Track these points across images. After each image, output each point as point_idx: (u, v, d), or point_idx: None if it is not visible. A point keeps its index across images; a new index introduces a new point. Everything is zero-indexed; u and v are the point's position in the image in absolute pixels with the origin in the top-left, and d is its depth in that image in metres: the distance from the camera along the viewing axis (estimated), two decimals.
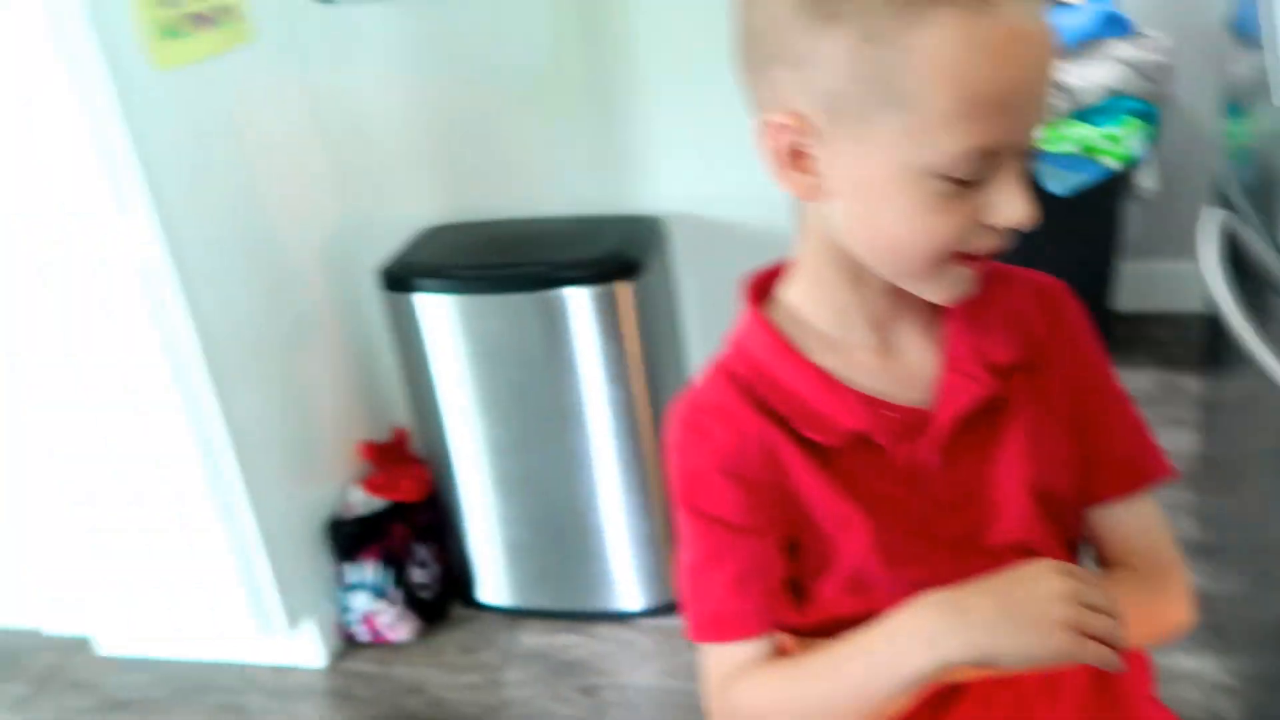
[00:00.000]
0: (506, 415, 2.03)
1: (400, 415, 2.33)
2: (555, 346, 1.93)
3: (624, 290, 1.89)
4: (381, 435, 2.33)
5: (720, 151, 2.00)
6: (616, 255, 1.91)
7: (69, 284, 1.80)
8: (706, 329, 2.16)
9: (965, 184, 0.67)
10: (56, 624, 2.25)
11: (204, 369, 1.84)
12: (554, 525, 2.12)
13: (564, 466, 2.04)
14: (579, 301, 1.89)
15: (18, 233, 1.78)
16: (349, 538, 2.15)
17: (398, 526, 2.18)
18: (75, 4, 1.58)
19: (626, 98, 2.03)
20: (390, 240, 2.12)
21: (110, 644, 2.25)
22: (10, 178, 1.73)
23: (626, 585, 2.15)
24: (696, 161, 2.04)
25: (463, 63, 2.07)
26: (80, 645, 2.27)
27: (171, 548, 2.00)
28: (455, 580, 2.26)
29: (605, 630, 2.15)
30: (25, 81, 1.65)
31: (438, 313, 1.96)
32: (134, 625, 2.17)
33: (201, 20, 1.78)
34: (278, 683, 2.13)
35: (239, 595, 2.01)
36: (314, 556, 2.14)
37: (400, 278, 1.98)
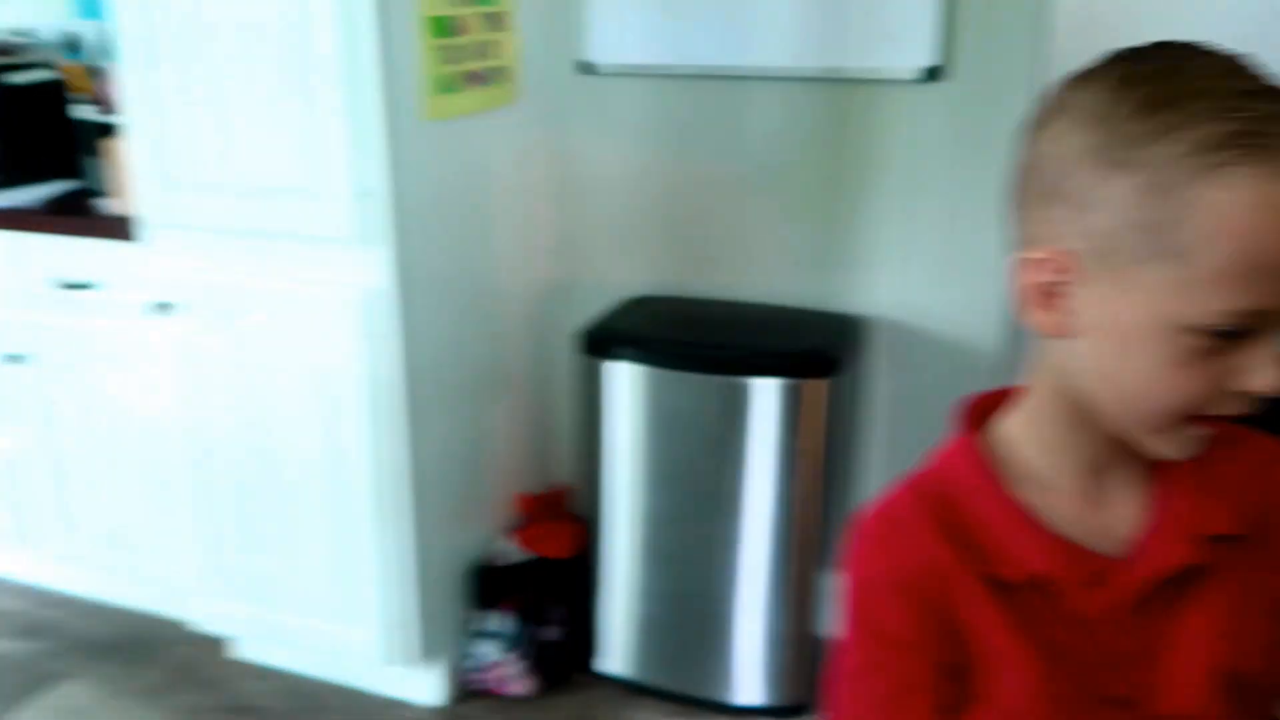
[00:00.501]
0: (667, 489, 2.09)
1: (564, 473, 2.39)
2: (733, 431, 2.00)
3: (815, 388, 1.95)
4: (541, 490, 2.39)
5: (935, 264, 2.07)
6: (814, 351, 1.98)
7: (307, 299, 1.92)
8: (891, 434, 2.19)
9: (1221, 344, 0.66)
10: (200, 620, 2.30)
11: (403, 396, 1.93)
12: (689, 606, 2.15)
13: (712, 550, 2.08)
14: (767, 392, 1.96)
15: (270, 241, 1.91)
16: (491, 586, 2.20)
17: (538, 582, 2.22)
18: (371, 51, 1.74)
19: (853, 199, 2.11)
20: (594, 303, 2.22)
21: (245, 648, 2.31)
22: (276, 193, 1.87)
23: (750, 679, 2.16)
24: (910, 269, 2.11)
25: (702, 144, 2.20)
26: (217, 645, 2.33)
27: (323, 564, 2.07)
28: (581, 645, 2.29)
29: None
30: (310, 115, 1.80)
31: (625, 381, 2.04)
32: (270, 633, 2.22)
33: (476, 79, 1.93)
34: (391, 716, 2.16)
35: (375, 624, 2.06)
36: (452, 599, 2.19)
37: (598, 342, 2.07)
